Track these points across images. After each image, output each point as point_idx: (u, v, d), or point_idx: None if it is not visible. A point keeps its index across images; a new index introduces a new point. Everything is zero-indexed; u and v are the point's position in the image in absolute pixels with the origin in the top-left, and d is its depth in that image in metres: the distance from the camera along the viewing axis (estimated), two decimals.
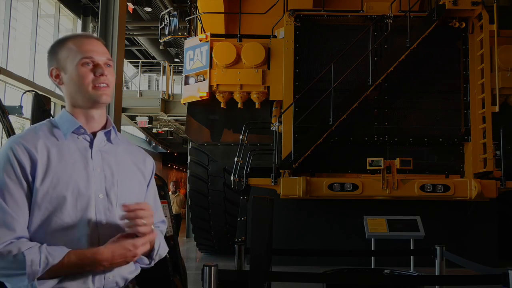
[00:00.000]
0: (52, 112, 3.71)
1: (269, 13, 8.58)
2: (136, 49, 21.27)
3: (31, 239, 1.46)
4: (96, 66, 1.60)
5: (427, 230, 6.77)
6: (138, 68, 18.86)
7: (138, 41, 19.46)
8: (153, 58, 20.66)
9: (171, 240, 2.85)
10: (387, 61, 8.08)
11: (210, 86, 8.61)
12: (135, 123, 17.73)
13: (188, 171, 9.70)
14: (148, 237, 1.53)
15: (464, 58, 8.38)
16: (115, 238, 1.50)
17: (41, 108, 3.08)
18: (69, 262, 1.42)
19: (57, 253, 1.42)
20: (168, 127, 20.26)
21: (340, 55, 8.05)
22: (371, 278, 3.36)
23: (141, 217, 1.48)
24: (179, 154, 23.45)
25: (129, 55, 20.85)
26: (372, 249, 6.64)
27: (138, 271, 1.68)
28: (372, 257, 6.51)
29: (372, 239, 6.61)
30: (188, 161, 9.50)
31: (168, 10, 10.83)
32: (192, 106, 9.13)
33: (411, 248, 6.56)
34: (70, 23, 16.35)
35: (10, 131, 3.22)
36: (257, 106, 8.70)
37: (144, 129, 20.14)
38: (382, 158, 7.61)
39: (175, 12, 9.92)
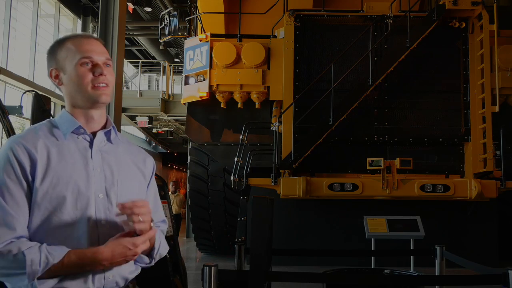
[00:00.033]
0: (52, 112, 3.71)
1: (269, 13, 8.58)
2: (136, 49, 21.27)
3: (31, 238, 1.46)
4: (95, 66, 1.60)
5: (427, 230, 6.77)
6: (138, 68, 18.86)
7: (138, 41, 19.46)
8: (153, 58, 20.66)
9: (171, 240, 2.85)
10: (387, 61, 8.08)
11: (210, 86, 8.61)
12: (135, 123, 17.73)
13: (188, 171, 9.70)
14: (147, 235, 1.53)
15: (464, 58, 8.38)
16: (115, 237, 1.50)
17: (41, 108, 3.08)
18: (69, 261, 1.42)
19: (57, 253, 1.42)
20: (168, 127, 20.26)
21: (340, 55, 8.05)
22: (371, 278, 3.36)
23: (138, 214, 1.47)
24: (179, 154, 23.45)
25: (129, 55, 20.85)
26: (372, 249, 6.63)
27: (139, 271, 1.68)
28: (372, 257, 6.50)
29: (372, 239, 6.60)
30: (188, 161, 9.50)
31: (168, 10, 10.83)
32: (192, 106, 9.13)
33: (411, 248, 6.56)
34: (70, 23, 16.35)
35: (10, 131, 3.22)
36: (257, 106, 8.69)
37: (144, 129, 20.14)
38: (382, 158, 7.61)
39: (175, 12, 9.92)
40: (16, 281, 1.41)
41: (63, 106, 1.74)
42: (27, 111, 3.70)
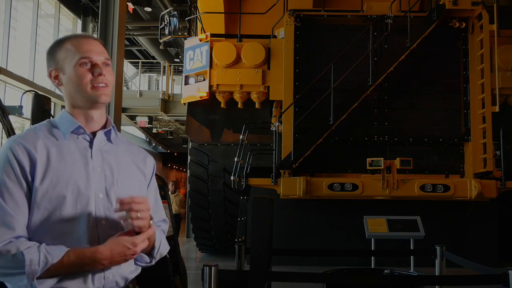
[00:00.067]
0: (52, 112, 3.71)
1: (269, 13, 8.57)
2: (136, 49, 21.27)
3: (30, 238, 1.46)
4: (94, 66, 1.59)
5: (427, 230, 6.77)
6: (138, 68, 18.86)
7: (138, 41, 19.46)
8: (153, 58, 20.66)
9: (171, 240, 2.85)
10: (387, 61, 8.08)
11: (210, 86, 8.61)
12: (135, 123, 17.73)
13: (188, 171, 9.70)
14: (146, 233, 1.52)
15: (464, 58, 8.38)
16: (114, 237, 1.49)
17: (41, 108, 3.08)
18: (68, 261, 1.42)
19: (56, 253, 1.41)
20: (168, 127, 20.26)
21: (340, 55, 8.05)
22: (371, 278, 3.36)
23: (136, 210, 1.47)
24: (179, 154, 23.46)
25: (129, 55, 20.85)
26: (372, 249, 6.64)
27: (139, 271, 1.68)
28: (372, 257, 6.50)
29: (372, 239, 6.60)
30: (188, 161, 9.50)
31: (168, 10, 10.83)
32: (192, 106, 9.13)
33: (411, 248, 6.56)
34: (70, 23, 16.35)
35: (10, 131, 3.22)
36: (257, 106, 8.69)
37: (144, 129, 20.14)
38: (382, 158, 7.61)
39: (175, 12, 9.92)
40: (15, 281, 1.41)
41: (63, 106, 1.74)
42: (27, 111, 3.70)
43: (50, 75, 1.64)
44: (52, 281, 1.44)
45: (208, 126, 9.05)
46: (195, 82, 8.87)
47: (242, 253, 3.82)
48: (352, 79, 8.08)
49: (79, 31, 16.09)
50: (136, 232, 1.51)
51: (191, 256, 10.04)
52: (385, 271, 3.42)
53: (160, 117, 17.58)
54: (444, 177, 8.18)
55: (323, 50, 8.49)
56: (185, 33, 11.66)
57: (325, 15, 8.57)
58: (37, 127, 1.61)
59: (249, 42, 8.59)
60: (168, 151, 25.16)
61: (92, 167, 1.57)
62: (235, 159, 8.01)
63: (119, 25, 8.80)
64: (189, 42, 9.19)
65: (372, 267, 6.04)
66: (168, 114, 16.03)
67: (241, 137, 8.17)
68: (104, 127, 1.67)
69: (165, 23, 9.51)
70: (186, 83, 9.10)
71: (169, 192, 9.78)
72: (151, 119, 17.38)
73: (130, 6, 15.41)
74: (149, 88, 21.45)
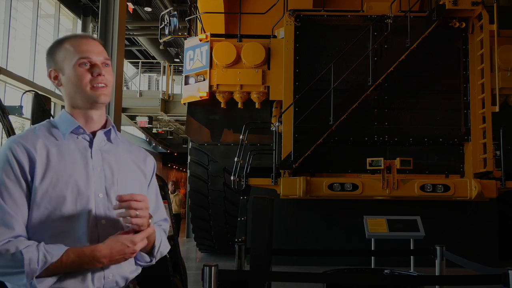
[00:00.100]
0: (52, 112, 3.71)
1: (269, 13, 8.57)
2: (136, 49, 21.27)
3: (30, 238, 1.46)
4: (93, 66, 1.59)
5: (427, 230, 6.77)
6: (138, 68, 18.86)
7: (138, 41, 19.46)
8: (153, 58, 20.66)
9: (171, 240, 2.85)
10: (387, 61, 8.08)
11: (210, 86, 8.61)
12: (135, 123, 17.73)
13: (188, 171, 9.70)
14: (145, 232, 1.52)
15: (464, 58, 8.38)
16: (114, 236, 1.49)
17: (41, 108, 3.08)
18: (67, 260, 1.42)
19: (56, 251, 1.41)
20: (168, 127, 20.26)
21: (340, 55, 8.05)
22: (371, 278, 3.36)
23: (135, 208, 1.47)
24: (179, 154, 23.46)
25: (129, 55, 20.85)
26: (372, 249, 6.64)
27: (139, 271, 1.67)
28: (372, 257, 6.51)
29: (372, 239, 6.61)
30: (188, 161, 9.50)
31: (168, 10, 10.84)
32: (192, 106, 9.13)
33: (411, 248, 6.56)
34: (70, 23, 16.35)
35: (10, 131, 3.22)
36: (257, 106, 8.69)
37: (144, 129, 20.14)
38: (382, 158, 7.62)
39: (175, 12, 9.91)
40: (15, 280, 1.41)
41: (63, 106, 1.74)
42: (27, 111, 3.70)
43: (49, 76, 1.64)
44: (51, 280, 1.44)
45: (208, 126, 9.05)
46: (195, 82, 8.87)
47: (242, 253, 3.81)
48: (352, 79, 8.08)
49: (79, 31, 16.10)
50: (135, 231, 1.51)
51: (191, 256, 10.04)
52: (385, 271, 3.42)
53: (160, 117, 17.58)
54: (444, 177, 8.18)
55: (323, 50, 8.49)
56: (185, 33, 11.65)
57: (325, 15, 8.57)
58: (36, 127, 1.61)
59: (249, 42, 8.58)
60: (168, 151, 25.16)
61: (92, 167, 1.57)
62: (235, 159, 8.01)
63: (119, 25, 8.81)
64: (189, 42, 9.19)
65: (372, 267, 6.04)
66: (168, 114, 16.03)
67: (241, 137, 8.17)
68: (104, 127, 1.66)
69: (165, 23, 9.51)
70: (186, 83, 9.10)
71: (169, 192, 9.79)
72: (151, 119, 17.38)
73: (130, 6, 15.41)
74: (149, 88, 21.45)
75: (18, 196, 1.46)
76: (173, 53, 21.48)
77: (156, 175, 1.85)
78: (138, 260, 1.64)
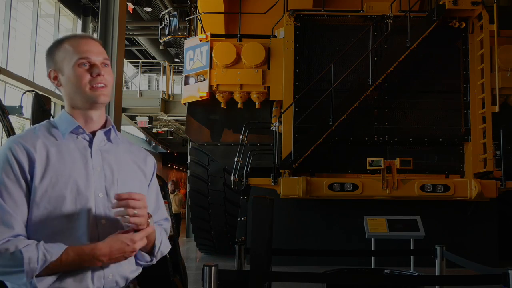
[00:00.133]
0: (52, 112, 3.71)
1: (269, 13, 8.57)
2: (136, 49, 21.27)
3: (30, 238, 1.45)
4: (92, 66, 1.59)
5: (427, 230, 6.77)
6: (138, 68, 18.86)
7: (138, 41, 19.46)
8: (153, 58, 20.66)
9: (171, 240, 2.85)
10: (387, 61, 8.08)
11: (210, 86, 8.61)
12: (135, 123, 17.73)
13: (188, 171, 9.70)
14: (145, 231, 1.52)
15: (464, 58, 8.38)
16: (113, 234, 1.49)
17: (41, 108, 3.08)
18: (67, 258, 1.42)
19: (55, 250, 1.42)
20: (168, 127, 20.26)
21: (340, 55, 8.05)
22: (371, 278, 3.36)
23: (133, 206, 1.47)
24: (179, 154, 23.46)
25: (129, 55, 20.85)
26: (372, 249, 6.64)
27: (139, 271, 1.67)
28: (372, 257, 6.51)
29: (372, 239, 6.60)
30: (188, 161, 9.50)
31: (168, 10, 10.84)
32: (192, 106, 9.13)
33: (411, 248, 6.56)
34: (70, 23, 16.35)
35: (10, 131, 3.22)
36: (257, 106, 8.69)
37: (144, 129, 20.14)
38: (382, 158, 7.61)
39: (175, 12, 9.91)
40: (15, 279, 1.42)
41: (63, 106, 1.74)
42: (27, 111, 3.70)
43: (49, 76, 1.64)
44: (51, 279, 1.44)
45: (208, 126, 9.05)
46: (195, 82, 8.87)
47: (242, 253, 3.81)
48: (352, 79, 8.08)
49: (79, 31, 16.10)
50: (135, 230, 1.51)
51: (191, 256, 10.04)
52: (385, 271, 3.42)
53: (160, 117, 17.58)
54: (444, 177, 8.18)
55: (323, 50, 8.49)
56: (185, 33, 11.65)
57: (325, 15, 8.57)
58: (36, 128, 1.61)
59: (249, 42, 8.58)
60: (168, 151, 25.16)
61: (91, 167, 1.57)
62: (235, 159, 8.01)
63: (119, 25, 8.81)
64: (189, 42, 9.19)
65: (372, 267, 6.04)
66: (168, 114, 16.03)
67: (241, 137, 8.17)
68: (103, 127, 1.67)
69: (165, 23, 9.51)
70: (186, 83, 9.10)
71: (169, 192, 9.79)
72: (151, 119, 17.38)
73: (130, 6, 15.41)
74: (149, 88, 21.46)
75: (17, 195, 1.46)
76: (173, 53, 21.48)
77: (156, 175, 1.85)
78: (139, 260, 1.64)
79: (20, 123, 11.75)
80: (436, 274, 3.99)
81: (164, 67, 15.95)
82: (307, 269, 3.72)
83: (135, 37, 18.79)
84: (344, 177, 8.04)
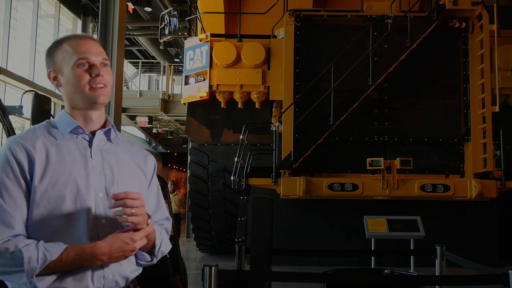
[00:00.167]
0: (52, 112, 3.71)
1: (269, 13, 8.57)
2: (136, 49, 21.27)
3: (30, 237, 1.45)
4: (92, 66, 1.59)
5: (427, 230, 6.77)
6: (138, 68, 18.86)
7: (138, 41, 19.46)
8: (153, 58, 20.66)
9: (171, 240, 2.85)
10: (387, 61, 8.08)
11: (210, 86, 8.61)
12: (135, 123, 17.73)
13: (188, 171, 9.70)
14: (144, 231, 1.52)
15: (464, 58, 8.39)
16: (113, 234, 1.50)
17: (41, 108, 3.08)
18: (67, 258, 1.42)
19: (55, 249, 1.42)
20: (168, 127, 20.26)
21: (340, 55, 8.05)
22: (371, 278, 3.36)
23: (130, 206, 1.46)
24: (179, 154, 23.45)
25: (129, 55, 20.85)
26: (372, 249, 6.63)
27: (140, 270, 1.67)
28: (372, 257, 6.50)
29: (372, 239, 6.60)
30: (188, 161, 9.50)
31: (168, 10, 10.83)
32: (192, 106, 9.13)
33: (411, 248, 6.56)
34: (70, 23, 16.35)
35: (10, 131, 3.22)
36: (257, 106, 8.69)
37: (144, 129, 20.14)
38: (382, 158, 7.61)
39: (175, 12, 9.91)
40: (14, 279, 1.42)
41: (63, 106, 1.74)
42: (27, 111, 3.70)
43: (49, 76, 1.64)
44: (51, 279, 1.44)
45: (208, 126, 9.05)
46: (195, 82, 8.87)
47: (242, 253, 3.82)
48: (352, 79, 8.08)
49: (79, 31, 16.10)
50: (135, 230, 1.51)
51: (191, 256, 10.04)
52: (385, 271, 3.42)
53: (160, 117, 17.58)
54: (444, 177, 8.18)
55: (323, 50, 8.49)
56: (185, 33, 11.66)
57: (325, 15, 8.57)
58: (36, 128, 1.61)
59: (249, 42, 8.58)
60: (168, 151, 25.16)
61: (91, 166, 1.57)
62: (235, 159, 8.01)
63: (119, 25, 8.81)
64: (189, 42, 9.19)
65: (372, 267, 6.03)
66: (168, 114, 16.03)
67: (241, 137, 8.17)
68: (103, 127, 1.67)
69: (165, 23, 9.51)
70: (186, 83, 9.10)
71: (169, 192, 9.78)
72: (151, 119, 17.38)
73: (130, 6, 15.41)
74: (149, 88, 21.46)
75: (17, 195, 1.46)
76: (173, 53, 21.48)
77: (157, 175, 1.85)
78: (139, 260, 1.64)
79: (20, 123, 11.75)
80: (436, 274, 3.99)
81: (164, 67, 15.95)
82: (307, 269, 3.72)
83: (135, 37, 18.79)
84: (344, 177, 8.04)
